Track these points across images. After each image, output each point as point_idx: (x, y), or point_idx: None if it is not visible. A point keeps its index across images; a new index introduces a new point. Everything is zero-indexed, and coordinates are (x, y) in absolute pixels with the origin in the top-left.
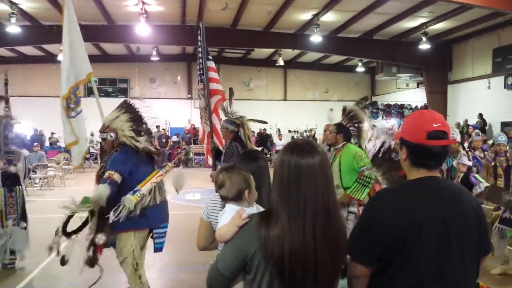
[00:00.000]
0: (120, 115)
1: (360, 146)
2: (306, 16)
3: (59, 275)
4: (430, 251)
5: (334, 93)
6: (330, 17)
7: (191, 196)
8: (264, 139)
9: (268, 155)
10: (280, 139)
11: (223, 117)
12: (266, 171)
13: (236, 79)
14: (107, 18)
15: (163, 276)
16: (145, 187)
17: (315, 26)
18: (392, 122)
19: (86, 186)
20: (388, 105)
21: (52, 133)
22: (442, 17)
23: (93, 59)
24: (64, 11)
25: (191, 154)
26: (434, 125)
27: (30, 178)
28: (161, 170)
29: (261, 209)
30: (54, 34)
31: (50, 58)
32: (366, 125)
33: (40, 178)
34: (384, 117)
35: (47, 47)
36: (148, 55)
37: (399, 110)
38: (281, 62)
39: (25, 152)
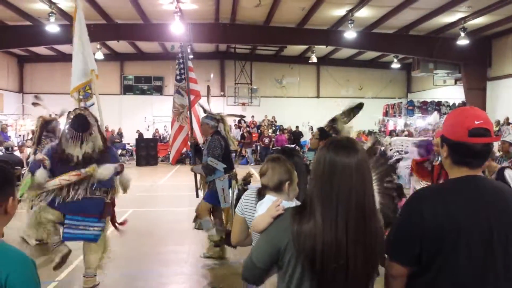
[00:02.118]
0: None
1: None
2: (340, 12)
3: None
4: (472, 253)
5: (368, 90)
6: (365, 13)
7: None
8: (296, 136)
9: (301, 153)
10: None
11: (201, 114)
12: (301, 168)
13: (268, 77)
14: (143, 17)
15: (197, 272)
16: (51, 183)
17: (350, 22)
18: (429, 120)
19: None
20: (424, 102)
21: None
22: (481, 11)
23: (128, 57)
24: (76, 11)
25: None
26: (476, 122)
27: None
28: (82, 171)
29: None
30: (92, 32)
31: None
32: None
33: None
34: (420, 115)
35: None
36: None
37: (436, 107)
38: (314, 59)
39: None
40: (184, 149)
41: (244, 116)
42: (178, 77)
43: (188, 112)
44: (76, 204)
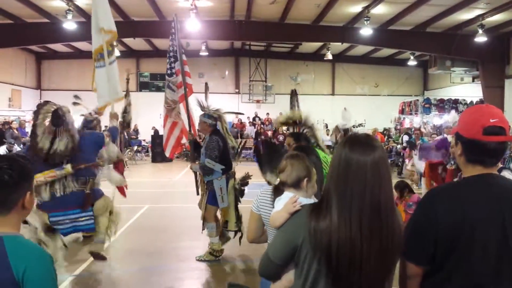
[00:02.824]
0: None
1: (318, 145)
2: (356, 8)
3: (115, 261)
4: (486, 252)
5: (384, 88)
6: (381, 9)
7: None
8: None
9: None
10: (328, 135)
11: (196, 111)
12: (318, 166)
13: (283, 74)
14: (159, 14)
15: (213, 267)
16: None
17: (366, 18)
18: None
19: (137, 178)
20: (441, 100)
21: (106, 126)
22: (500, 8)
23: (144, 54)
24: None
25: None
26: (491, 120)
27: None
28: (56, 171)
29: None
30: None
31: None
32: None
33: None
34: (437, 113)
35: None
36: (197, 50)
37: (453, 105)
38: (329, 56)
39: None
40: (185, 141)
41: (243, 114)
42: (169, 71)
43: (185, 107)
44: (55, 201)
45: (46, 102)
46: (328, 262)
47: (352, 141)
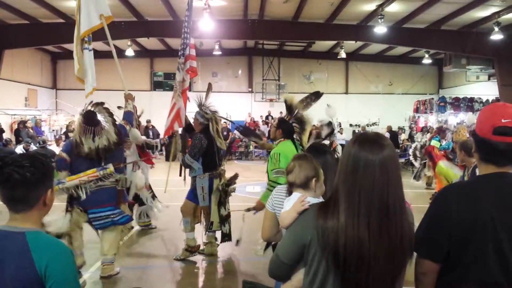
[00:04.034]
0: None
1: (301, 144)
2: (370, 6)
3: (127, 261)
4: (500, 250)
5: (399, 86)
6: (396, 7)
7: (251, 188)
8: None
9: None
10: (341, 133)
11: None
12: (332, 166)
13: (296, 72)
14: (172, 14)
15: (228, 266)
16: (70, 182)
17: (380, 17)
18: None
19: (150, 176)
20: (457, 99)
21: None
22: None
23: (158, 53)
24: None
25: (251, 147)
26: (503, 121)
27: None
28: (97, 171)
29: None
30: (123, 30)
31: (118, 53)
32: (307, 119)
33: None
34: (452, 111)
35: (116, 42)
36: (210, 49)
37: (468, 103)
38: (343, 55)
39: None
40: (177, 126)
41: (233, 122)
42: (180, 53)
43: (185, 94)
44: (93, 197)
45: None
46: (336, 261)
47: (361, 139)
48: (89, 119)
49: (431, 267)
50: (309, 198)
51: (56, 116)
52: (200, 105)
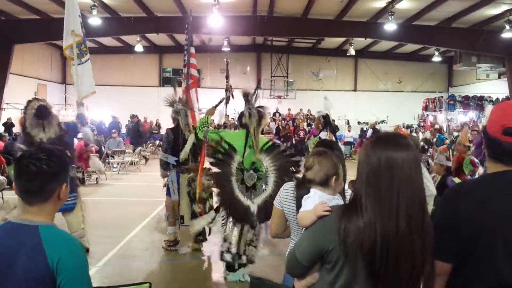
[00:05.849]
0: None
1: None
2: (380, 3)
3: (134, 255)
4: (509, 249)
5: (408, 84)
6: (406, 4)
7: None
8: (332, 130)
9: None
10: (349, 131)
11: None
12: (341, 161)
13: (305, 69)
14: (181, 10)
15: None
16: None
17: (390, 14)
18: (471, 115)
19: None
20: (466, 97)
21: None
22: None
23: (167, 49)
24: None
25: None
26: None
27: (108, 163)
28: None
29: (341, 202)
30: (132, 25)
31: (128, 49)
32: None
33: (118, 163)
34: (462, 110)
35: (125, 38)
36: (219, 45)
37: (478, 102)
38: (352, 52)
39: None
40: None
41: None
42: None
43: (189, 98)
44: None
45: (35, 99)
46: (371, 260)
47: (382, 140)
48: (41, 113)
49: (443, 268)
50: (329, 197)
51: (65, 111)
52: (170, 103)
